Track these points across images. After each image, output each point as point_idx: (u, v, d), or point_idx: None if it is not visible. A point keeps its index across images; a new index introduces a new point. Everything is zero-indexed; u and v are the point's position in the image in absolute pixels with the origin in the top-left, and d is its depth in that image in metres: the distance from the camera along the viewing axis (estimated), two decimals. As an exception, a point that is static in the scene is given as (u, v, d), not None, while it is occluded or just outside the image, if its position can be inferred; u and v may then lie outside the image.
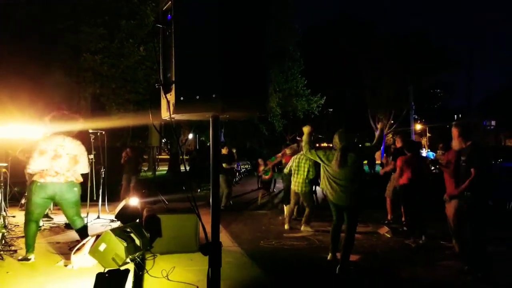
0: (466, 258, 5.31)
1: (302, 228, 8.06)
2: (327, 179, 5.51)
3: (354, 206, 5.45)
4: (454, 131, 5.29)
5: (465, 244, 5.34)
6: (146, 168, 24.78)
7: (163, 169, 28.04)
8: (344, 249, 5.39)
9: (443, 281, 5.11)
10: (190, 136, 33.09)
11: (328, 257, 5.78)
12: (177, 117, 2.25)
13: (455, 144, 5.31)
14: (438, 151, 13.28)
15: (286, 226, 8.29)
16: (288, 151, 9.94)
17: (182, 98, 2.12)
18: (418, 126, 39.61)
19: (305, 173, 7.99)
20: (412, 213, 7.12)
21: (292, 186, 8.21)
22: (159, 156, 36.23)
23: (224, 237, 7.24)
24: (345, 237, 5.44)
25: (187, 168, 16.37)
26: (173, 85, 2.17)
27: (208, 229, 2.33)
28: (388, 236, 7.41)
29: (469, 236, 5.14)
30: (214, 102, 2.09)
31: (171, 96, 2.19)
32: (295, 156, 8.29)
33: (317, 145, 9.05)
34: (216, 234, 2.30)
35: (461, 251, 5.58)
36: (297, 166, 8.07)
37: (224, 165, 10.91)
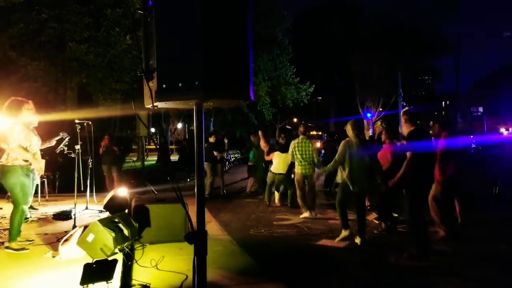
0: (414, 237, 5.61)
1: (307, 214, 8.16)
2: (349, 170, 6.13)
3: (366, 191, 6.40)
4: (402, 118, 5.69)
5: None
6: (135, 158, 24.65)
7: (152, 159, 27.91)
8: (360, 228, 6.17)
9: (426, 265, 5.15)
10: (179, 125, 32.96)
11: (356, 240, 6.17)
12: (160, 105, 2.22)
13: (404, 129, 5.73)
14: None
15: (305, 213, 8.20)
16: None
17: (164, 85, 2.09)
18: (407, 113, 39.72)
19: (311, 156, 8.20)
20: (385, 200, 7.28)
21: (298, 170, 8.28)
22: (148, 146, 36.04)
23: (214, 226, 7.26)
24: (358, 218, 6.22)
25: (171, 158, 16.27)
26: (156, 72, 2.14)
27: (194, 218, 2.32)
28: (377, 222, 7.47)
29: (408, 216, 5.56)
30: (197, 89, 2.06)
31: (154, 84, 2.16)
32: (295, 142, 8.37)
33: (307, 133, 9.12)
34: (201, 222, 2.29)
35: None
36: (302, 149, 8.20)
37: (215, 153, 10.88)
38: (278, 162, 9.26)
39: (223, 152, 11.34)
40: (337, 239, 6.33)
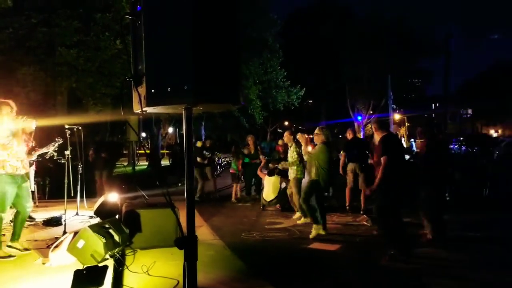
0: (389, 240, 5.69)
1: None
2: (319, 169, 6.70)
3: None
4: (373, 127, 5.92)
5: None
6: (125, 163, 24.50)
7: (143, 164, 27.76)
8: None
9: (416, 267, 5.16)
10: (170, 130, 32.84)
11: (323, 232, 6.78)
12: (149, 110, 2.22)
13: (376, 137, 5.89)
14: (417, 140, 13.44)
15: (303, 219, 7.94)
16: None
17: (153, 90, 2.09)
18: (397, 116, 40.04)
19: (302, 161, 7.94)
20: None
21: (298, 175, 7.94)
22: (139, 151, 35.82)
23: (205, 230, 7.23)
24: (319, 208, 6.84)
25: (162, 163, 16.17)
26: (144, 77, 2.13)
27: (185, 223, 2.32)
28: (368, 225, 7.49)
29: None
30: (186, 94, 2.06)
31: (142, 89, 2.15)
32: (296, 148, 8.00)
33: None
34: (191, 227, 2.28)
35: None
36: (300, 154, 7.82)
37: (198, 159, 10.82)
38: (268, 188, 9.16)
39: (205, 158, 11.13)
40: (312, 235, 6.72)
